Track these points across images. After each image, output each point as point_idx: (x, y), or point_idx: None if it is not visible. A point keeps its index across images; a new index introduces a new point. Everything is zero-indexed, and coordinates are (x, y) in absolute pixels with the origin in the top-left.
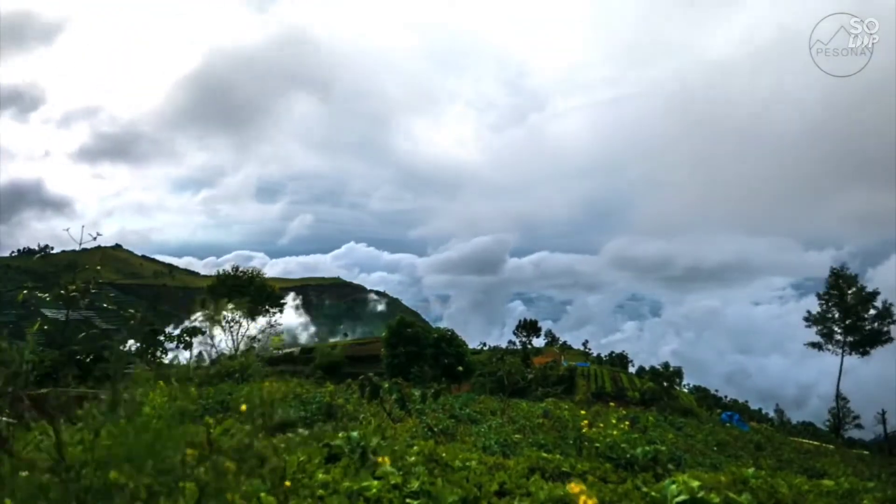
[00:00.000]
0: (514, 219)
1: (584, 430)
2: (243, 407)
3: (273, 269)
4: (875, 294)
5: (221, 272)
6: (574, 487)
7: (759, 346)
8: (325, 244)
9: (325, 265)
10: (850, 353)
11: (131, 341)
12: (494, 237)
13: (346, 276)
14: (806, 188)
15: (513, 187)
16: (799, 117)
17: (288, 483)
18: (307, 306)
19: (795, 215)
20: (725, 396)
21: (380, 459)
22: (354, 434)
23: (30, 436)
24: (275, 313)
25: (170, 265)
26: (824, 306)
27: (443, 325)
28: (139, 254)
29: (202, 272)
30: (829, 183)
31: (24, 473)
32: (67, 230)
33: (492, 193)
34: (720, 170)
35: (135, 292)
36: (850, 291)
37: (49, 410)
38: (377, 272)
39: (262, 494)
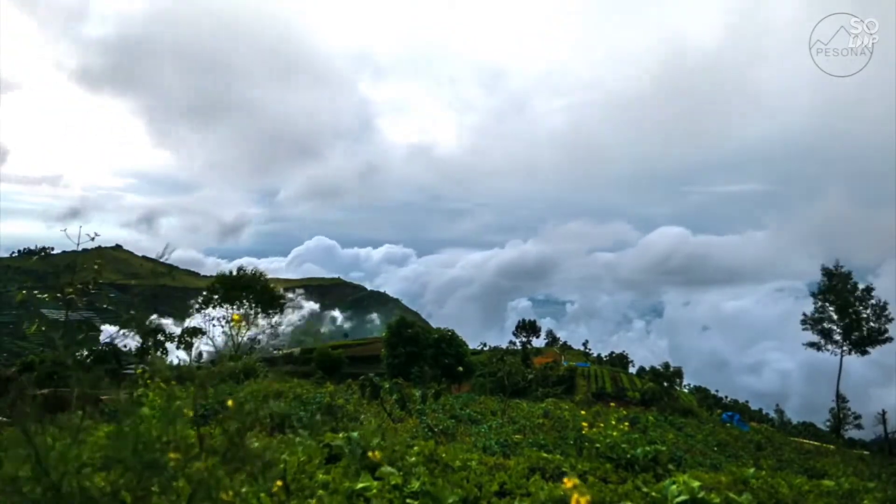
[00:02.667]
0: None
1: (584, 431)
2: (230, 402)
3: (293, 264)
4: (870, 289)
5: (224, 272)
6: (568, 482)
7: (767, 345)
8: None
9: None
10: (850, 353)
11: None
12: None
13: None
14: (811, 188)
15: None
16: (794, 118)
17: (279, 483)
18: (307, 306)
19: (805, 215)
20: (726, 396)
21: (374, 455)
22: (354, 434)
23: (15, 442)
24: (275, 314)
25: (170, 265)
26: (820, 306)
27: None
28: (139, 254)
29: (202, 273)
30: (834, 183)
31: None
32: (65, 230)
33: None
34: (716, 171)
35: (134, 293)
36: (845, 289)
37: (19, 415)
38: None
39: (262, 495)
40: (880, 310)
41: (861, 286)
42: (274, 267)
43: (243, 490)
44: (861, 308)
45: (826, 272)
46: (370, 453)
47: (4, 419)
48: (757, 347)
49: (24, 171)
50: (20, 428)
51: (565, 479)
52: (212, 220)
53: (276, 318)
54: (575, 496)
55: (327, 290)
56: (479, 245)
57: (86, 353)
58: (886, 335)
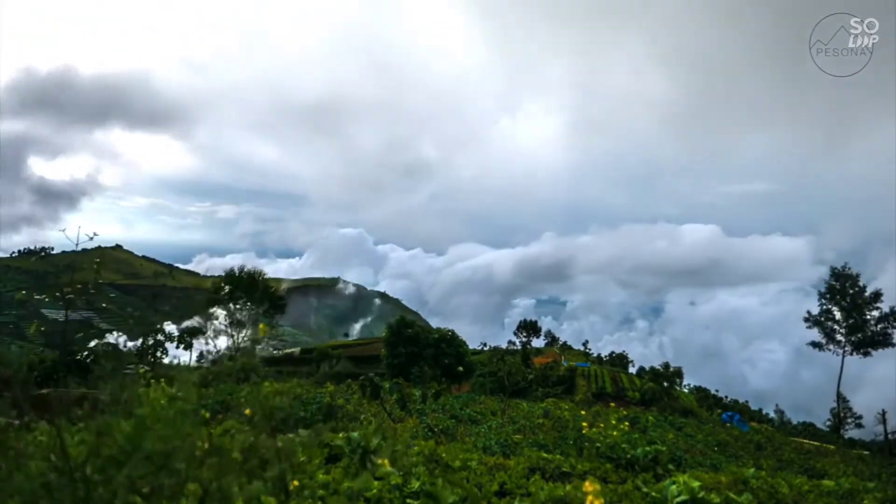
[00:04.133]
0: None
1: (584, 431)
2: (248, 411)
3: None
4: (879, 294)
5: (225, 272)
6: (588, 486)
7: (769, 346)
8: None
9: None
10: (852, 354)
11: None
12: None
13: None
14: (818, 188)
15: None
16: (793, 117)
17: (296, 483)
18: (308, 306)
19: (812, 214)
20: (726, 396)
21: (381, 462)
22: (355, 434)
23: (30, 436)
24: (275, 314)
25: (170, 265)
26: (825, 306)
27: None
28: (139, 254)
29: (202, 273)
30: (843, 183)
31: (27, 474)
32: (64, 231)
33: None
34: (721, 169)
35: (135, 293)
36: (851, 291)
37: (50, 410)
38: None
39: (263, 495)
40: (888, 315)
41: (870, 290)
42: (286, 266)
43: (251, 488)
44: (867, 311)
45: (835, 273)
46: (372, 455)
47: (5, 419)
48: (759, 348)
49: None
50: (49, 423)
51: (586, 483)
52: (301, 232)
53: (276, 318)
54: (590, 499)
55: (327, 290)
56: (505, 245)
57: (86, 353)
58: (890, 339)
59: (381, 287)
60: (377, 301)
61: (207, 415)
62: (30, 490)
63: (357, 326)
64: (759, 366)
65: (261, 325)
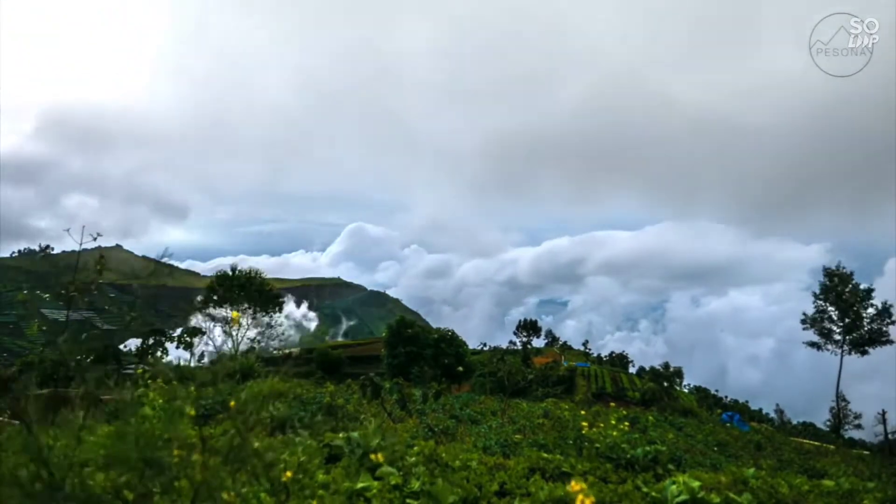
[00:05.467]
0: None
1: (584, 431)
2: (232, 403)
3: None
4: (871, 290)
5: (220, 272)
6: (574, 486)
7: (771, 345)
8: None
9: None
10: (850, 353)
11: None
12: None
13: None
14: (825, 187)
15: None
16: (799, 116)
17: (289, 473)
18: (307, 307)
19: (818, 215)
20: (726, 396)
21: (376, 457)
22: (354, 434)
23: (17, 441)
24: (273, 313)
25: (170, 265)
26: (821, 306)
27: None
28: (139, 254)
29: (204, 273)
30: (838, 182)
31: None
32: (67, 230)
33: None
34: (730, 170)
35: (134, 293)
36: (846, 290)
37: (23, 414)
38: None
39: (262, 494)
40: (884, 311)
41: (863, 287)
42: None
43: (244, 490)
44: (861, 309)
45: (827, 272)
46: (372, 455)
47: (6, 419)
48: (761, 347)
49: None
50: (24, 426)
51: (572, 483)
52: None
53: (275, 318)
54: (580, 497)
55: (326, 290)
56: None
57: (86, 353)
58: (887, 337)
59: (396, 287)
60: (378, 301)
61: (192, 412)
62: (9, 497)
63: (353, 327)
64: (760, 366)
65: (234, 314)
